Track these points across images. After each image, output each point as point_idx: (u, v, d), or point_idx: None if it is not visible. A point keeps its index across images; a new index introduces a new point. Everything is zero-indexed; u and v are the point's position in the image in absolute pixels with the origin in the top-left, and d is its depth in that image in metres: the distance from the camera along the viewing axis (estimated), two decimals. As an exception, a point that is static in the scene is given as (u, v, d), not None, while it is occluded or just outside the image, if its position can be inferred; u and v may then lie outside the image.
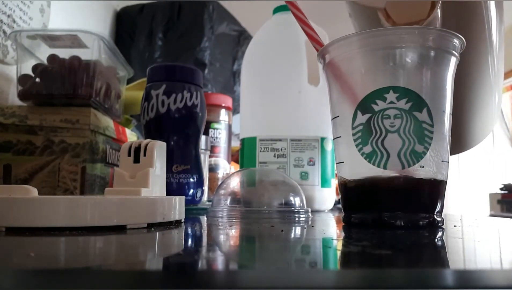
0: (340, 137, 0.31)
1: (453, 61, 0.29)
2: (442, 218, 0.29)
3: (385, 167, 0.28)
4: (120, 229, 0.23)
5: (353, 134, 0.29)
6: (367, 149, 0.28)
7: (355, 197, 0.30)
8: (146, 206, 0.26)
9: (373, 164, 0.28)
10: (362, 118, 0.29)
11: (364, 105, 0.28)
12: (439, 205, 0.28)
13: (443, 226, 0.28)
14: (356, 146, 0.29)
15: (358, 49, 0.29)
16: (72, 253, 0.17)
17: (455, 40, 0.29)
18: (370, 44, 0.29)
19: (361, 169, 0.29)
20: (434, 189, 0.28)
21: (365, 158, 0.28)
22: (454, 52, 0.29)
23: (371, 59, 0.29)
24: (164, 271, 0.14)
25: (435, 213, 0.28)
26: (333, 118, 0.32)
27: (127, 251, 0.18)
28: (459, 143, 0.48)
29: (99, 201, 0.23)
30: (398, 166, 0.27)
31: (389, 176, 0.28)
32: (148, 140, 0.32)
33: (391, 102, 0.28)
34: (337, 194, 0.71)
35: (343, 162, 0.31)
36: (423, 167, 0.27)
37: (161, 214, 0.26)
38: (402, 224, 0.27)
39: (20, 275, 0.12)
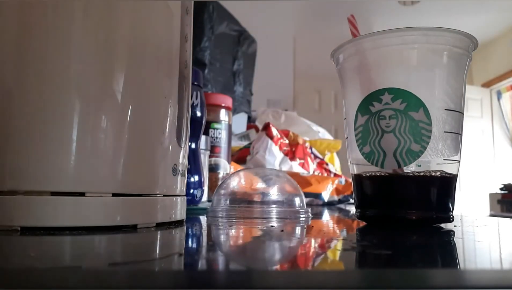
0: (347, 138, 0.32)
1: (451, 60, 0.28)
2: (447, 215, 0.28)
3: (382, 166, 0.28)
4: (131, 228, 0.24)
5: (355, 135, 0.30)
6: (366, 149, 0.29)
7: (360, 196, 0.31)
8: (155, 206, 0.26)
9: (372, 163, 0.29)
10: (361, 120, 0.30)
11: (363, 107, 0.30)
12: (442, 202, 0.28)
13: (442, 225, 0.28)
14: (358, 146, 0.30)
15: (358, 52, 0.30)
16: (84, 252, 0.17)
17: (447, 39, 0.28)
18: (366, 47, 0.30)
19: (362, 167, 0.30)
20: (433, 187, 0.28)
21: (365, 158, 0.29)
22: (449, 50, 0.28)
23: (366, 62, 0.30)
24: (174, 272, 0.14)
25: (435, 210, 0.28)
26: (344, 119, 0.33)
27: (151, 251, 0.18)
28: None
29: (111, 202, 0.24)
30: (394, 165, 0.28)
31: (384, 174, 0.29)
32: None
33: (386, 103, 0.28)
34: (337, 194, 0.71)
35: (350, 161, 0.32)
36: (420, 165, 0.28)
37: (169, 213, 0.28)
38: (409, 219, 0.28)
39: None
